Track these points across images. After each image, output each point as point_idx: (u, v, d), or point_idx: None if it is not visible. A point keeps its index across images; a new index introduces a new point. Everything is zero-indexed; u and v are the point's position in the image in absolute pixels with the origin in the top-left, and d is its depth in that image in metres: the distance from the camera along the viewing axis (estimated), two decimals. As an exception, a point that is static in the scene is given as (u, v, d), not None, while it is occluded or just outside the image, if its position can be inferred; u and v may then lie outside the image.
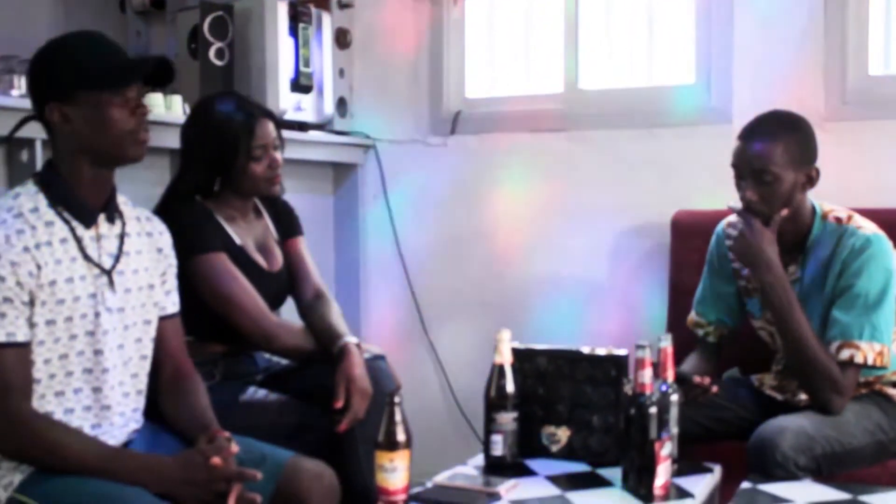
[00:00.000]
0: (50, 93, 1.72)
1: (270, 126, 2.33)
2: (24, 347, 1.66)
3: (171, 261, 1.96)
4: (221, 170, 2.30)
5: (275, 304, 2.41)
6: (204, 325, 2.23)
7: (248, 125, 2.28)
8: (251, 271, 2.28)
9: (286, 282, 2.44)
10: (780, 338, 2.24)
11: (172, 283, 1.96)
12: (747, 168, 2.19)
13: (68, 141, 1.74)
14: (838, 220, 2.24)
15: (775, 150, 2.16)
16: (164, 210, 2.21)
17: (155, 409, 1.92)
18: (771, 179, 2.16)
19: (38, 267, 1.67)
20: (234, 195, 2.34)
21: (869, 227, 2.22)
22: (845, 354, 2.15)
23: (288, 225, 2.50)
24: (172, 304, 1.96)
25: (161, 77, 1.83)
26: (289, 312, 2.54)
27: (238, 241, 2.30)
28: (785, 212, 2.19)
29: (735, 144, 2.23)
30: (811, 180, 2.22)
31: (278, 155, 2.34)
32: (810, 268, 2.26)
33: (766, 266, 2.17)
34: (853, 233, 2.20)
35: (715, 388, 2.20)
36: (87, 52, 1.74)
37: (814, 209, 2.27)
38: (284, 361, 2.50)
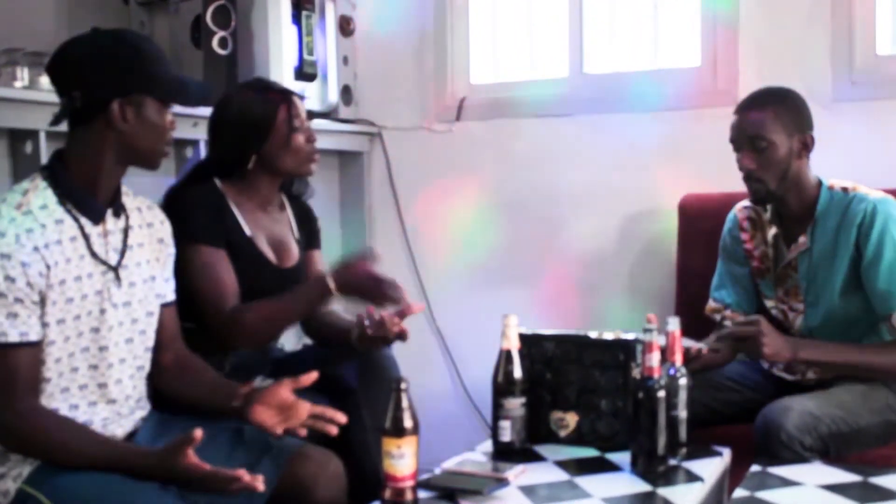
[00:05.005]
0: (117, 90, 1.73)
1: (303, 105, 2.33)
2: (36, 346, 1.67)
3: (170, 250, 1.96)
4: (258, 144, 2.24)
5: None
6: None
7: (286, 97, 2.29)
8: (256, 263, 2.24)
9: (298, 281, 2.37)
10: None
11: (170, 270, 1.97)
12: (742, 137, 2.26)
13: (110, 137, 1.74)
14: (844, 189, 2.28)
15: (767, 117, 2.24)
16: (181, 190, 2.22)
17: (157, 396, 1.93)
18: (766, 146, 2.23)
19: (48, 267, 1.67)
20: (266, 178, 2.28)
21: (875, 193, 2.25)
22: None
23: (310, 234, 2.46)
24: (171, 292, 1.97)
25: None
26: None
27: (248, 231, 2.24)
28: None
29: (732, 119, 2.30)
30: (806, 147, 2.27)
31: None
32: (820, 237, 2.28)
33: (794, 351, 2.18)
34: (862, 198, 2.23)
35: (705, 350, 2.20)
36: (154, 58, 1.78)
37: (819, 181, 2.30)
38: (291, 350, 2.50)
